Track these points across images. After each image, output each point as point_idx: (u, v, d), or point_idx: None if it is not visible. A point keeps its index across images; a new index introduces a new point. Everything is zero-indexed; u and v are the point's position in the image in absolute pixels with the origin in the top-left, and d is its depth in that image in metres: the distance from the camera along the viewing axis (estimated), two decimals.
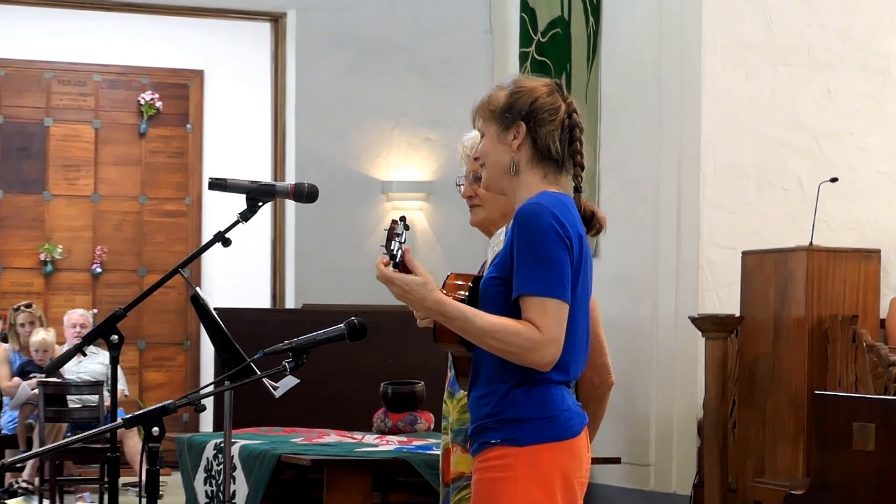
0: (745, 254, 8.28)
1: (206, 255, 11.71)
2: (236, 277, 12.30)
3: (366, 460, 6.18)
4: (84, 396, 9.67)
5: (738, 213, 8.92)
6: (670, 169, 9.14)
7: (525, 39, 10.69)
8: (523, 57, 10.67)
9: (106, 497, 8.98)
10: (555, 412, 3.30)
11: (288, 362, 3.45)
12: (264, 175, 10.97)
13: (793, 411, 7.79)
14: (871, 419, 5.94)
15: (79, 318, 10.47)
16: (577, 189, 3.43)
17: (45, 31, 12.35)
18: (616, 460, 7.43)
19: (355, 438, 6.86)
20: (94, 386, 9.60)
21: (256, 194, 4.37)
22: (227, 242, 4.38)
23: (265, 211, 10.80)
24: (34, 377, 9.91)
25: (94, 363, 10.25)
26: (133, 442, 9.84)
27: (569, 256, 3.29)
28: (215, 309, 5.40)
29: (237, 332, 5.44)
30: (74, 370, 10.05)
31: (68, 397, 9.58)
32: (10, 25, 12.21)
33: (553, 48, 10.38)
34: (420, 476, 6.13)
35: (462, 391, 3.78)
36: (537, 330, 3.24)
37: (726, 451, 8.21)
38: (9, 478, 10.28)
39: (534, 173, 3.42)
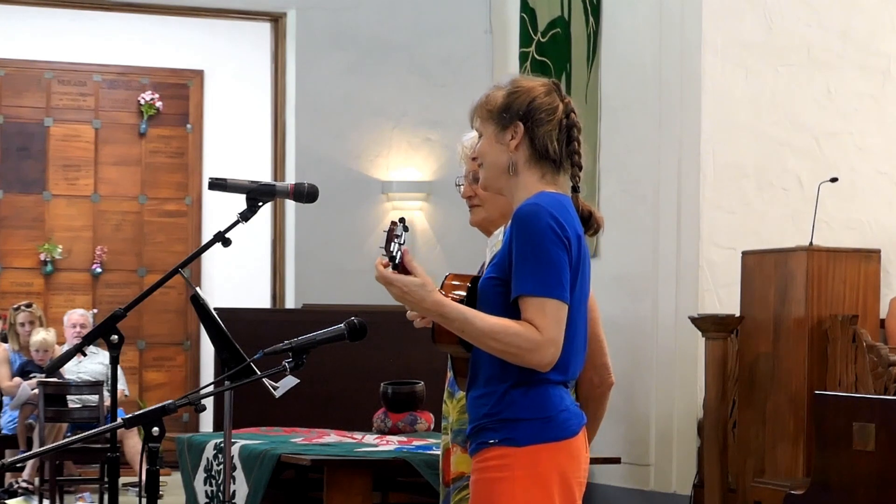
0: (745, 254, 8.28)
1: (206, 255, 11.71)
2: (236, 277, 12.30)
3: (366, 460, 6.18)
4: (84, 396, 9.67)
5: (738, 213, 8.92)
6: (670, 169, 9.14)
7: (525, 39, 10.69)
8: (523, 57, 10.67)
9: (106, 497, 8.98)
10: (553, 412, 3.30)
11: (288, 362, 3.45)
12: (264, 175, 10.98)
13: (793, 411, 7.79)
14: (871, 419, 5.94)
15: (79, 318, 10.47)
16: (575, 189, 3.43)
17: (45, 31, 12.35)
18: (616, 460, 7.43)
19: (355, 438, 6.86)
20: (94, 386, 9.60)
21: (256, 194, 4.37)
22: (227, 242, 4.38)
23: (265, 211, 10.80)
24: (34, 377, 9.91)
25: (94, 363, 10.25)
26: (133, 442, 9.84)
27: (567, 256, 3.29)
28: (215, 309, 5.40)
29: (237, 332, 5.44)
30: (74, 370, 10.05)
31: (68, 397, 9.58)
32: (10, 25, 12.22)
33: (553, 48, 10.38)
34: (420, 476, 6.13)
35: (462, 391, 3.78)
36: (536, 330, 3.23)
37: (726, 451, 8.22)
38: (9, 478, 10.28)
39: (532, 173, 3.42)
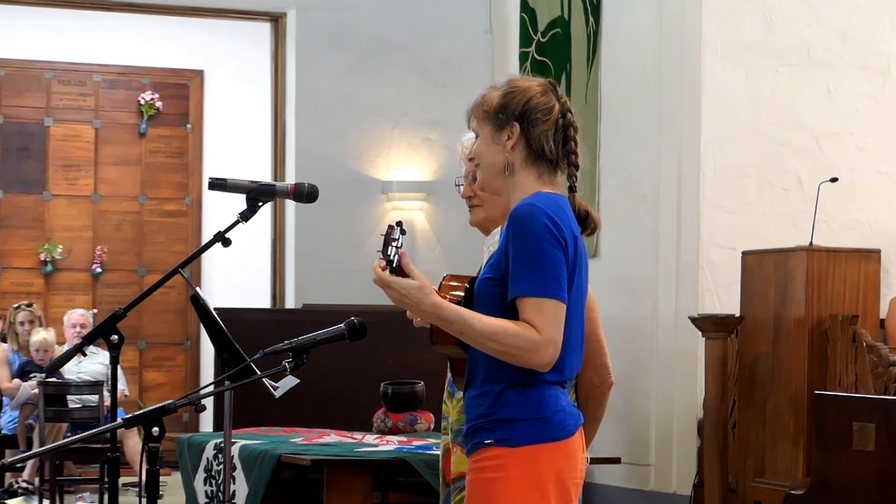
0: (745, 254, 8.28)
1: (206, 255, 11.71)
2: (236, 277, 12.30)
3: (366, 460, 6.18)
4: (84, 396, 9.67)
5: (738, 213, 8.92)
6: (670, 169, 9.14)
7: (525, 39, 10.69)
8: (523, 57, 10.67)
9: (106, 497, 8.98)
10: (548, 413, 3.30)
11: (288, 362, 3.45)
12: (264, 175, 10.97)
13: (793, 411, 7.78)
14: (871, 419, 5.94)
15: (79, 318, 10.47)
16: (572, 189, 3.43)
17: (45, 31, 12.35)
18: (616, 460, 7.43)
19: (355, 438, 6.86)
20: (94, 386, 9.60)
21: (256, 194, 4.37)
22: (227, 242, 4.38)
23: (265, 211, 10.80)
24: (34, 377, 9.91)
25: (94, 363, 10.25)
26: (133, 442, 9.84)
27: (564, 256, 3.28)
28: (215, 309, 5.40)
29: (237, 332, 5.44)
30: (74, 370, 10.05)
31: (68, 397, 9.58)
32: (10, 25, 12.22)
33: (553, 48, 10.38)
34: (420, 476, 6.13)
35: (461, 391, 3.78)
36: (535, 331, 3.23)
37: (726, 451, 8.22)
38: (9, 478, 10.28)
39: (528, 173, 3.42)
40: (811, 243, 8.04)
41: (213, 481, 6.68)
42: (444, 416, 4.07)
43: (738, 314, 8.22)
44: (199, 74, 12.86)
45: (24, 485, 10.06)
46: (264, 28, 11.36)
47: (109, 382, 8.52)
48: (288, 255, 11.05)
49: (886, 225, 9.12)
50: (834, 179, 8.49)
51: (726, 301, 8.66)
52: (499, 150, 3.43)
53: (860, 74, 9.16)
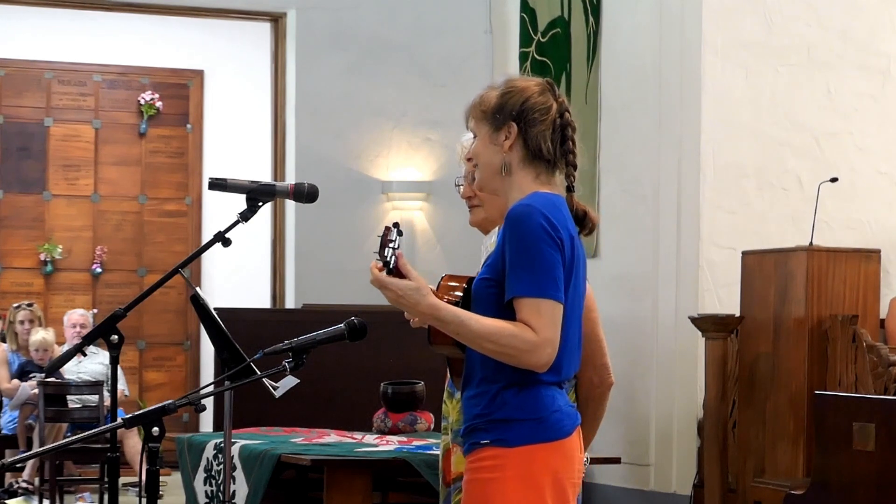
0: (745, 254, 8.28)
1: (206, 255, 11.71)
2: (236, 277, 12.31)
3: (366, 460, 6.18)
4: (84, 396, 9.67)
5: (738, 213, 8.92)
6: (670, 169, 9.14)
7: (525, 39, 10.69)
8: (523, 57, 10.67)
9: (106, 497, 8.98)
10: (545, 413, 3.30)
11: (288, 362, 3.45)
12: (264, 175, 10.97)
13: (793, 411, 7.78)
14: (871, 419, 5.94)
15: (79, 318, 10.47)
16: (570, 188, 3.43)
17: (45, 31, 12.35)
18: (616, 460, 7.43)
19: (355, 438, 6.86)
20: (94, 386, 9.60)
21: (256, 194, 4.36)
22: (227, 242, 4.38)
23: (265, 211, 10.80)
24: (34, 377, 9.91)
25: (94, 363, 10.25)
26: (133, 442, 9.84)
27: (560, 256, 3.28)
28: (215, 309, 5.40)
29: (237, 332, 5.44)
30: (74, 370, 10.05)
31: (68, 397, 9.58)
32: (10, 25, 12.22)
33: (553, 48, 10.38)
34: (420, 476, 6.13)
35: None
36: (532, 331, 3.23)
37: (726, 451, 8.21)
38: (9, 478, 10.28)
39: (526, 173, 3.42)
40: (811, 243, 8.04)
41: (213, 481, 6.68)
42: (444, 416, 4.07)
43: (738, 314, 8.22)
44: (199, 74, 12.86)
45: (24, 485, 10.06)
46: (264, 28, 11.36)
47: (109, 382, 8.52)
48: (288, 255, 11.05)
49: (886, 225, 9.12)
50: (834, 179, 8.49)
51: (726, 301, 8.66)
52: (496, 151, 3.43)
53: (860, 74, 9.16)
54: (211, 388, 3.87)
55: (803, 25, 9.07)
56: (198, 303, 5.27)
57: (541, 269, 3.25)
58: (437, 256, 10.97)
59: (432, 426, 6.98)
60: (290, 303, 10.91)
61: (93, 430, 3.49)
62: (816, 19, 9.09)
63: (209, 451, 6.75)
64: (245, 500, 6.37)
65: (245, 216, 4.33)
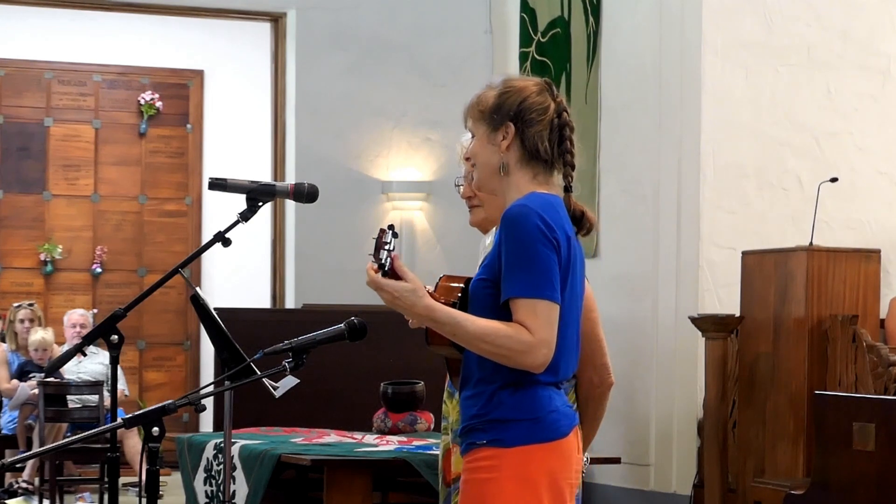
0: (745, 254, 8.28)
1: (206, 255, 11.71)
2: (236, 277, 12.31)
3: (366, 460, 6.18)
4: (84, 396, 9.67)
5: (738, 213, 8.92)
6: (670, 169, 9.14)
7: (525, 39, 10.69)
8: (523, 57, 10.67)
9: (106, 497, 8.98)
10: (541, 413, 3.29)
11: (288, 362, 3.45)
12: (264, 175, 10.97)
13: (793, 411, 7.79)
14: (871, 419, 5.94)
15: (79, 318, 10.47)
16: (568, 188, 3.42)
17: (45, 31, 12.35)
18: (616, 460, 7.43)
19: (355, 438, 6.86)
20: (94, 386, 9.60)
21: (256, 194, 4.36)
22: (227, 242, 4.38)
23: (265, 211, 10.80)
24: (33, 377, 9.91)
25: (94, 363, 10.25)
26: (133, 442, 9.84)
27: (556, 257, 3.28)
28: (215, 309, 5.40)
29: (237, 332, 5.44)
30: (74, 370, 10.05)
31: (68, 397, 9.58)
32: (10, 25, 12.22)
33: (553, 48, 10.38)
34: (420, 476, 6.13)
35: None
36: (528, 332, 3.23)
37: (726, 451, 8.21)
38: (9, 478, 10.28)
39: (523, 174, 3.41)
40: (811, 243, 8.04)
41: (213, 481, 6.68)
42: (444, 416, 4.07)
43: (738, 314, 8.22)
44: (199, 74, 12.86)
45: (24, 485, 10.06)
46: (264, 28, 11.36)
47: (109, 382, 8.52)
48: (288, 255, 11.05)
49: (886, 225, 9.12)
50: (834, 179, 8.49)
51: (726, 301, 8.66)
52: (494, 151, 3.43)
53: (860, 74, 9.16)
54: (211, 388, 3.87)
55: (803, 25, 9.07)
56: (198, 303, 5.27)
57: (537, 269, 3.24)
58: (437, 256, 10.97)
59: (432, 426, 6.98)
60: (290, 303, 10.91)
61: (93, 430, 3.49)
62: (816, 19, 9.09)
63: (209, 451, 6.75)
64: (245, 500, 6.37)
65: (245, 216, 4.33)
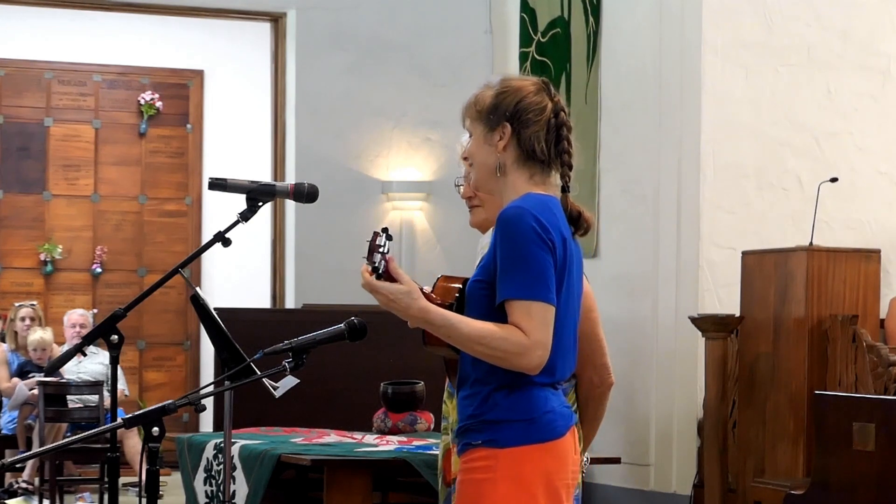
0: (745, 254, 8.28)
1: (206, 255, 11.71)
2: (236, 277, 12.30)
3: (366, 460, 6.18)
4: (84, 396, 9.67)
5: (738, 213, 8.92)
6: (670, 169, 9.14)
7: (525, 39, 10.69)
8: (523, 57, 10.67)
9: (106, 497, 8.97)
10: (536, 414, 3.29)
11: (288, 362, 3.45)
12: (264, 175, 10.97)
13: (793, 411, 7.79)
14: (871, 419, 5.94)
15: (78, 318, 10.47)
16: (565, 189, 3.42)
17: (45, 31, 12.35)
18: (616, 460, 7.43)
19: (355, 438, 6.85)
20: (94, 386, 9.60)
21: (256, 194, 4.36)
22: (227, 242, 4.38)
23: (265, 211, 10.80)
24: (33, 377, 9.91)
25: (94, 363, 10.25)
26: (133, 442, 9.84)
27: (552, 258, 3.27)
28: (215, 309, 5.40)
29: (237, 332, 5.44)
30: (74, 370, 10.06)
31: (68, 397, 9.58)
32: (10, 25, 12.22)
33: (553, 48, 10.38)
34: (420, 476, 6.13)
35: None
36: (523, 334, 3.22)
37: (726, 451, 8.21)
38: (9, 478, 10.28)
39: (520, 174, 3.40)
40: (811, 243, 8.04)
41: (213, 481, 6.68)
42: (444, 416, 4.07)
43: (738, 314, 8.22)
44: (199, 74, 12.86)
45: (24, 485, 10.06)
46: (264, 28, 11.36)
47: (109, 382, 8.52)
48: (288, 255, 11.05)
49: (886, 225, 9.12)
50: (834, 179, 8.49)
51: (726, 301, 8.66)
52: (491, 151, 3.42)
53: (860, 74, 9.16)
54: (211, 388, 3.87)
55: (803, 25, 9.07)
56: (198, 303, 5.27)
57: (532, 271, 3.24)
58: (437, 256, 10.97)
59: (432, 426, 6.98)
60: (290, 303, 10.91)
61: (93, 430, 3.49)
62: (816, 19, 9.09)
63: (209, 451, 6.75)
64: (245, 500, 6.37)
65: (245, 216, 4.33)
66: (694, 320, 8.25)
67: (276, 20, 11.15)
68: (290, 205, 10.91)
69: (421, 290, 3.32)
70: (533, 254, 3.24)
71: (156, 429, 3.35)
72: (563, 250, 3.31)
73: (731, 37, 8.98)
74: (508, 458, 3.27)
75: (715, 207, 8.90)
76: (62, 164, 12.51)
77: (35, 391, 9.55)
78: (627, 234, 9.49)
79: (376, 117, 11.02)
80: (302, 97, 10.96)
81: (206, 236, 11.86)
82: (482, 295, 3.31)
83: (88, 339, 4.55)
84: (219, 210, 11.99)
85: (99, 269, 12.55)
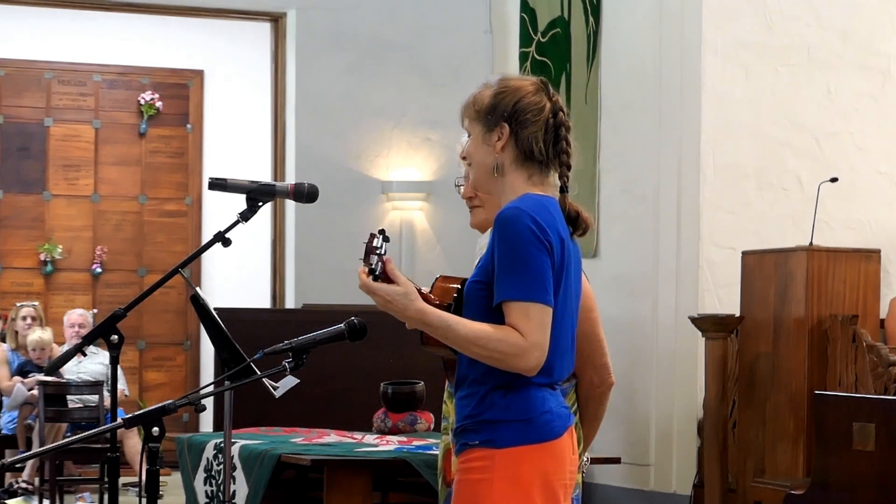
0: (745, 254, 8.28)
1: (206, 255, 11.71)
2: (236, 277, 12.30)
3: (366, 460, 6.18)
4: (84, 396, 9.67)
5: (738, 213, 8.92)
6: (670, 169, 9.14)
7: (525, 39, 10.69)
8: (523, 57, 10.67)
9: (106, 497, 8.98)
10: (533, 414, 3.28)
11: (288, 362, 3.45)
12: (264, 175, 10.97)
13: (793, 411, 7.79)
14: (871, 419, 5.94)
15: (77, 318, 10.47)
16: (563, 189, 3.41)
17: (45, 31, 12.35)
18: (616, 460, 7.43)
19: (355, 438, 6.86)
20: (94, 386, 9.60)
21: (256, 194, 4.36)
22: (227, 242, 4.38)
23: (265, 211, 10.80)
24: (33, 377, 9.91)
25: (94, 363, 10.25)
26: (133, 442, 9.84)
27: (549, 259, 3.26)
28: (215, 309, 5.40)
29: (237, 332, 5.44)
30: (74, 370, 10.06)
31: (68, 397, 9.58)
32: (10, 25, 12.22)
33: (553, 48, 10.38)
34: (420, 476, 6.13)
35: None
36: (520, 335, 3.22)
37: (726, 451, 8.21)
38: (9, 478, 10.28)
39: (518, 174, 3.40)
40: (811, 243, 8.04)
41: (213, 481, 6.68)
42: (444, 417, 4.07)
43: (738, 314, 8.22)
44: (199, 74, 12.86)
45: (24, 485, 10.06)
46: (264, 28, 11.36)
47: (109, 382, 8.52)
48: (288, 255, 11.05)
49: (886, 225, 9.12)
50: (834, 179, 8.49)
51: (726, 301, 8.66)
52: (489, 151, 3.42)
53: (860, 74, 9.16)
54: (211, 388, 3.87)
55: (803, 25, 9.07)
56: (198, 303, 5.27)
57: (529, 272, 3.24)
58: (437, 256, 10.97)
59: (432, 426, 6.98)
60: (290, 303, 10.91)
61: (93, 430, 3.48)
62: (816, 19, 9.09)
63: (209, 451, 6.75)
64: (245, 500, 6.37)
65: (245, 216, 4.33)
66: (694, 320, 8.25)
67: (276, 20, 11.15)
68: (290, 205, 10.91)
69: (419, 290, 3.32)
70: (530, 255, 3.24)
71: (156, 429, 3.35)
72: (561, 251, 3.31)
73: (731, 37, 8.98)
74: (505, 459, 3.27)
75: (715, 207, 8.90)
76: (62, 164, 12.51)
77: (35, 391, 9.55)
78: (627, 234, 9.49)
79: (376, 117, 11.02)
80: (302, 97, 10.96)
81: (206, 236, 11.87)
82: (480, 296, 3.31)
83: (88, 339, 4.56)
84: (219, 210, 11.99)
85: (99, 269, 12.55)
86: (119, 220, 12.65)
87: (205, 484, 6.76)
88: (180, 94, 12.82)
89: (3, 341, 10.45)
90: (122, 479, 9.85)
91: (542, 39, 10.49)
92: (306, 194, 4.43)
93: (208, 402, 4.23)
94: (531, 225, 3.25)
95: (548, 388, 3.33)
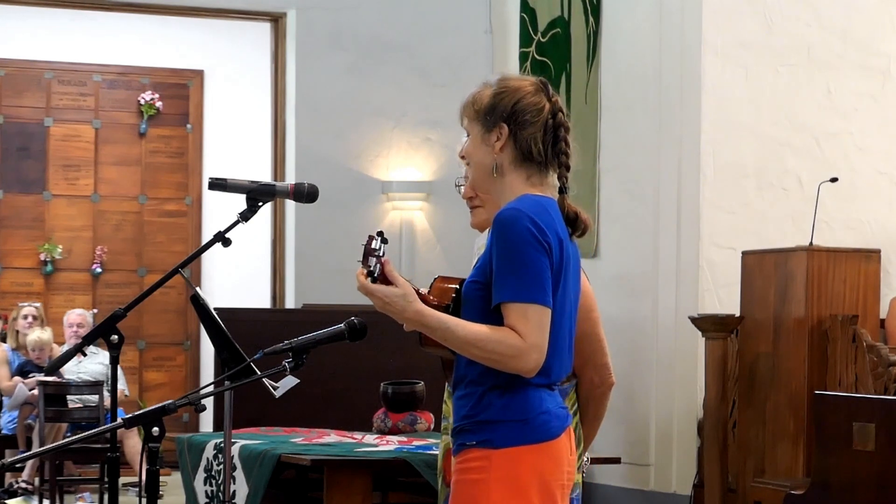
0: (745, 254, 8.28)
1: (206, 255, 11.71)
2: (236, 277, 12.30)
3: (366, 460, 6.18)
4: (84, 396, 9.67)
5: (738, 213, 8.92)
6: (670, 169, 9.14)
7: (525, 39, 10.69)
8: (523, 57, 10.67)
9: (106, 497, 8.98)
10: (531, 415, 3.28)
11: (288, 362, 3.45)
12: (264, 175, 10.97)
13: (793, 411, 7.79)
14: (871, 419, 5.94)
15: (77, 317, 10.47)
16: (563, 190, 3.41)
17: (45, 31, 12.35)
18: (616, 460, 7.43)
19: (355, 438, 6.86)
20: (94, 386, 9.60)
21: (256, 194, 4.37)
22: (227, 242, 4.38)
23: (265, 211, 10.80)
24: (33, 377, 9.91)
25: (94, 363, 10.25)
26: (133, 442, 9.84)
27: (548, 260, 3.26)
28: (215, 309, 5.40)
29: (237, 332, 5.44)
30: (74, 370, 10.06)
31: (68, 397, 9.58)
32: (10, 25, 12.22)
33: (553, 48, 10.38)
34: (420, 476, 6.13)
35: None
36: (519, 336, 3.22)
37: (726, 451, 8.22)
38: (9, 478, 10.28)
39: (517, 175, 3.39)
40: (811, 243, 8.04)
41: (213, 481, 6.68)
42: (444, 417, 4.07)
43: (738, 314, 8.22)
44: (199, 74, 12.86)
45: (23, 485, 10.06)
46: (264, 28, 11.36)
47: (109, 382, 8.52)
48: (288, 255, 11.05)
49: (886, 225, 9.12)
50: (834, 179, 8.49)
51: (726, 301, 8.66)
52: (488, 151, 3.41)
53: (860, 74, 9.16)
54: (211, 388, 3.87)
55: (803, 25, 9.07)
56: (198, 303, 5.27)
57: (528, 273, 3.23)
58: (437, 256, 10.97)
59: (432, 426, 6.98)
60: (290, 303, 10.91)
61: (93, 430, 3.48)
62: (816, 19, 9.09)
63: (209, 451, 6.75)
64: (245, 500, 6.37)
65: (245, 216, 4.33)
66: (694, 320, 8.25)
67: (276, 20, 11.15)
68: (290, 205, 10.91)
69: (417, 291, 3.31)
70: (529, 256, 3.24)
71: (156, 429, 3.35)
72: (560, 252, 3.30)
73: (731, 37, 8.98)
74: (503, 459, 3.26)
75: (715, 207, 8.90)
76: (62, 164, 12.51)
77: (35, 391, 9.55)
78: (627, 234, 9.49)
79: (376, 117, 11.02)
80: (302, 97, 10.96)
81: (206, 236, 11.86)
82: (479, 296, 3.31)
83: (88, 339, 4.56)
84: (219, 210, 11.99)
85: (99, 269, 12.54)
86: (119, 220, 12.65)
87: (205, 484, 6.76)
88: (180, 94, 12.82)
89: (4, 341, 10.45)
90: (122, 479, 9.85)
91: (542, 39, 10.49)
92: (306, 194, 4.44)
93: (208, 402, 4.23)
94: (530, 226, 3.24)
95: (545, 389, 3.33)
